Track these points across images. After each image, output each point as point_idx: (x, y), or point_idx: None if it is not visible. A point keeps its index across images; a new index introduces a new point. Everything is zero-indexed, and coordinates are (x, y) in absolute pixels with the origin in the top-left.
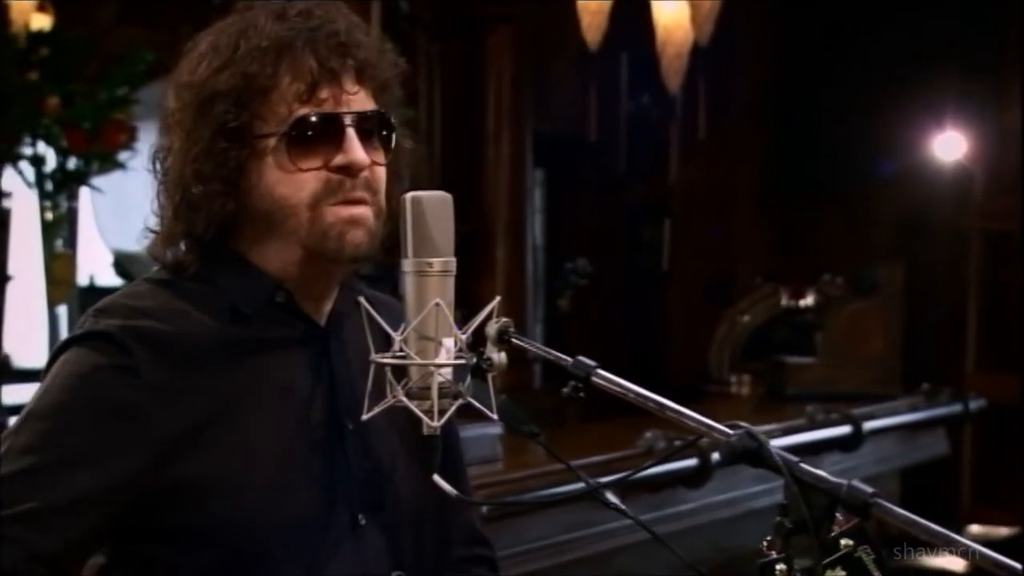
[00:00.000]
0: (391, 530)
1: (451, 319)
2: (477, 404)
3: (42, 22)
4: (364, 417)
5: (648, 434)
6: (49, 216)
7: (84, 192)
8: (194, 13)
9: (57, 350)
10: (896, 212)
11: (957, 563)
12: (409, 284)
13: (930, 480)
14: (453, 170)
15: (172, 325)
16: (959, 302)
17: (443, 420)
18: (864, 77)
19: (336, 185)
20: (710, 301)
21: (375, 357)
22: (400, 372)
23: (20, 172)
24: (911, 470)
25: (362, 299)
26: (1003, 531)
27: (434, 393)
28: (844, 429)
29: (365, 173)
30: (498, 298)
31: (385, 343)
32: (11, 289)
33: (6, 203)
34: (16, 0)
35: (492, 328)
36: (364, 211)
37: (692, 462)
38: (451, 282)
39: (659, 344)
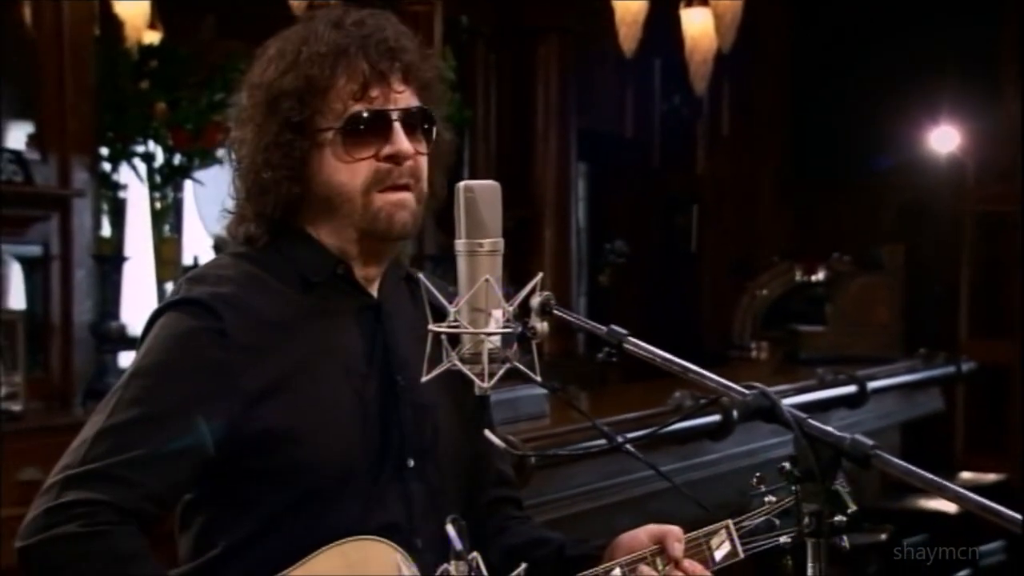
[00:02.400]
0: (435, 473)
1: (499, 293)
2: (523, 368)
3: (152, 37)
4: (424, 379)
5: (677, 393)
6: (158, 205)
7: (188, 184)
8: (285, 26)
9: (155, 314)
10: (899, 198)
11: (950, 506)
12: (462, 262)
13: (927, 433)
14: (507, 163)
15: (253, 292)
16: (954, 277)
17: (493, 382)
18: (871, 78)
19: (385, 173)
20: (735, 275)
21: (433, 326)
22: (454, 340)
23: (134, 168)
24: (910, 424)
25: (422, 276)
26: (991, 477)
27: (484, 358)
28: (850, 388)
29: (410, 162)
30: (541, 274)
31: (437, 315)
32: (127, 268)
33: (122, 194)
34: (130, 18)
35: (535, 301)
36: (408, 196)
37: (715, 418)
38: (499, 260)
39: (689, 315)
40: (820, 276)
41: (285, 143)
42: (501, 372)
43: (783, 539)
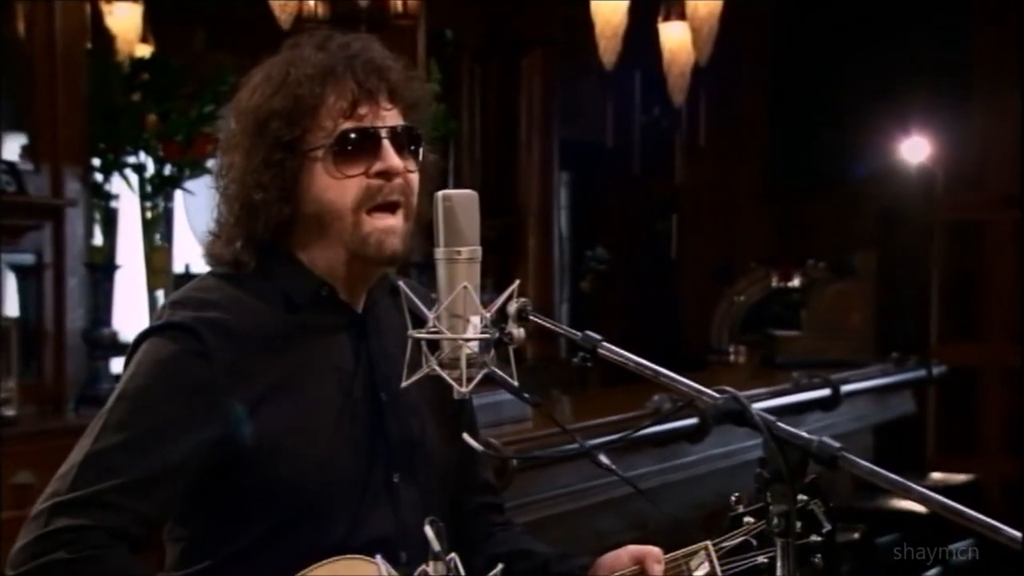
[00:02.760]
0: (421, 485)
1: (477, 300)
2: (500, 373)
3: (144, 51)
4: (403, 384)
5: (655, 397)
6: (149, 215)
7: (178, 194)
8: (272, 40)
9: (139, 338)
10: (871, 206)
11: (921, 506)
12: (441, 269)
13: (899, 435)
14: (491, 172)
15: (236, 314)
16: (925, 283)
17: (471, 386)
18: (846, 91)
19: (376, 190)
20: (717, 280)
21: (412, 333)
22: (434, 345)
23: (125, 178)
24: (882, 426)
25: (401, 283)
26: (960, 477)
27: (463, 363)
28: (824, 392)
29: (399, 179)
30: (518, 281)
31: (418, 322)
32: (118, 276)
33: (113, 204)
34: (121, 32)
35: (512, 307)
36: (397, 222)
37: (693, 421)
38: (477, 268)
39: (670, 320)
40: (796, 282)
41: (275, 163)
42: (479, 377)
43: (761, 559)
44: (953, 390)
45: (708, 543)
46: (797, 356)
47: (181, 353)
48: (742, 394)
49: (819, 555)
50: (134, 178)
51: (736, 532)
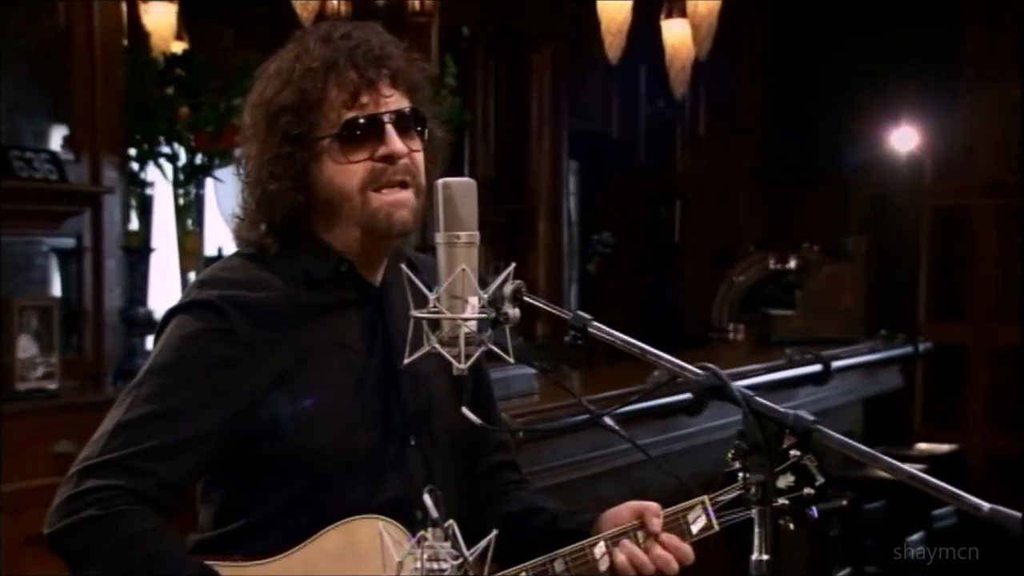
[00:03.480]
0: (435, 450)
1: (475, 282)
2: (497, 349)
3: (177, 47)
4: (405, 362)
5: (656, 372)
6: (181, 201)
7: (208, 182)
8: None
9: (168, 315)
10: (863, 193)
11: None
12: (441, 253)
13: (888, 408)
14: (504, 161)
15: (260, 293)
16: (913, 265)
17: (469, 363)
18: (839, 83)
19: (380, 172)
20: (717, 264)
21: (414, 312)
22: (434, 324)
23: (159, 167)
24: (872, 400)
25: (403, 266)
26: (944, 448)
27: (461, 341)
28: (816, 367)
29: (404, 160)
30: (513, 264)
31: (421, 301)
32: (153, 259)
33: (148, 191)
34: (157, 29)
35: (508, 288)
36: (405, 194)
37: (690, 395)
38: (475, 251)
39: (673, 300)
40: (792, 264)
41: (286, 155)
42: (477, 354)
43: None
44: (939, 366)
45: (705, 497)
46: (791, 334)
47: (206, 330)
48: (730, 371)
49: (814, 507)
50: (167, 167)
51: (731, 487)
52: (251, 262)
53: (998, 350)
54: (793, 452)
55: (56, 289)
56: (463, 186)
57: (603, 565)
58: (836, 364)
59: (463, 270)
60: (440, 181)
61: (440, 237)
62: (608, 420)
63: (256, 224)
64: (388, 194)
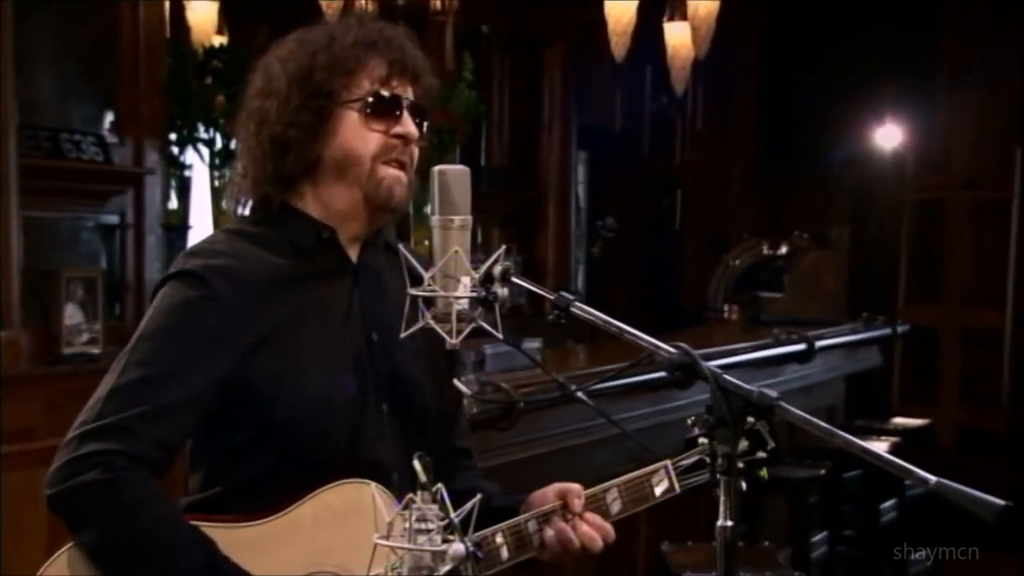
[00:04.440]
0: (408, 416)
1: (467, 263)
2: (487, 327)
3: (218, 41)
4: (403, 335)
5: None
6: (216, 183)
7: None
8: None
9: (158, 285)
10: (849, 186)
11: (882, 445)
12: (436, 235)
13: (867, 384)
14: (517, 151)
15: (243, 262)
16: (894, 253)
17: (460, 338)
18: (827, 83)
19: (391, 147)
20: (712, 248)
21: (411, 290)
22: (429, 302)
23: (197, 150)
24: (852, 377)
25: (401, 247)
26: (918, 422)
27: (453, 318)
28: (801, 346)
29: (412, 145)
30: (504, 247)
31: (415, 281)
32: (190, 235)
33: (187, 173)
34: (198, 24)
35: (497, 269)
36: (405, 175)
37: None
38: (468, 234)
39: (672, 282)
40: (782, 251)
41: (313, 107)
42: (468, 330)
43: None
44: (915, 346)
45: (667, 462)
46: (779, 315)
47: (193, 298)
48: (722, 347)
49: (765, 469)
50: (204, 151)
51: (691, 452)
52: (234, 235)
53: (970, 332)
54: (749, 419)
55: (101, 262)
56: (457, 173)
57: (535, 540)
58: (819, 343)
59: (456, 252)
60: (436, 168)
61: (435, 221)
62: (582, 395)
63: (258, 181)
64: (393, 169)
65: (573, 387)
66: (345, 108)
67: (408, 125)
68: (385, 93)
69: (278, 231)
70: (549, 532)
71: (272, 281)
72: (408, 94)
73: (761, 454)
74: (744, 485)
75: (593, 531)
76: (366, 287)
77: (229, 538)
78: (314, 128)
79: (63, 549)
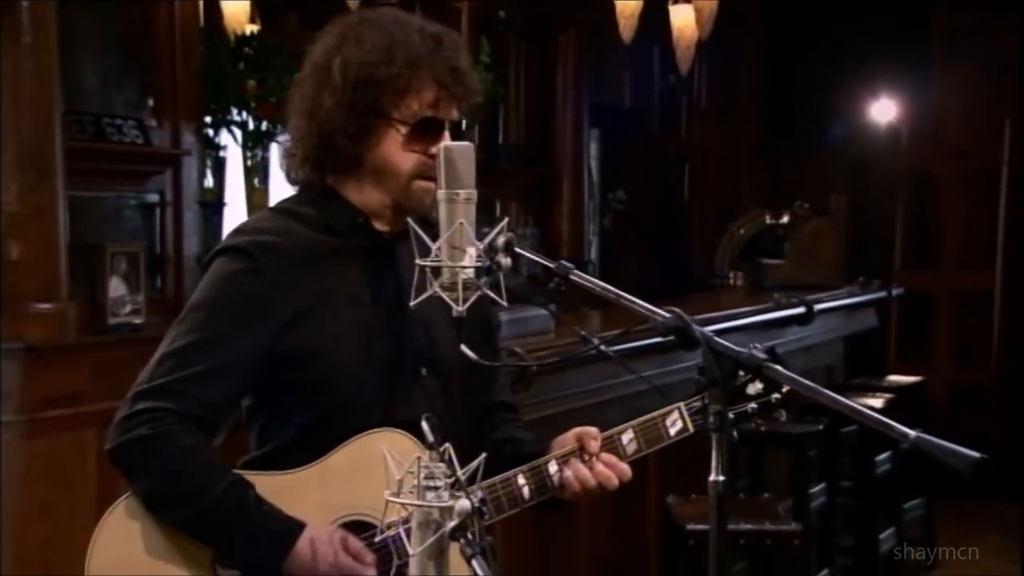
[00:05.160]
0: (443, 379)
1: (472, 234)
2: (491, 294)
3: (249, 29)
4: (411, 304)
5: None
6: (249, 162)
7: (273, 146)
8: None
9: (208, 260)
10: (847, 158)
11: (877, 401)
12: (442, 208)
13: (864, 345)
14: (533, 130)
15: (286, 239)
16: (890, 221)
17: (466, 305)
18: (828, 62)
19: (429, 166)
20: (718, 219)
21: (419, 261)
22: (436, 271)
23: (231, 132)
24: (850, 338)
25: (409, 220)
26: (911, 379)
27: (459, 286)
28: (801, 309)
29: None
30: (506, 219)
31: (425, 252)
32: (225, 212)
33: (221, 154)
34: (232, 14)
35: (501, 240)
36: (433, 185)
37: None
38: (473, 207)
39: (681, 252)
40: (784, 220)
41: (363, 122)
42: (474, 298)
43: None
44: (910, 308)
45: (680, 404)
46: (781, 280)
47: (238, 271)
48: (727, 311)
49: (782, 410)
50: (238, 132)
51: (699, 396)
52: (279, 214)
53: (961, 295)
54: (756, 387)
55: (142, 237)
56: (463, 149)
57: (556, 480)
58: (818, 307)
59: (461, 223)
60: (442, 144)
61: (442, 194)
62: (606, 349)
63: (304, 163)
64: (426, 184)
65: (598, 342)
66: (391, 126)
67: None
68: (430, 115)
69: (318, 212)
70: (567, 472)
71: (313, 256)
72: (453, 113)
73: (776, 396)
74: (761, 426)
75: (608, 470)
76: (401, 261)
77: (270, 485)
78: (359, 137)
79: (121, 499)
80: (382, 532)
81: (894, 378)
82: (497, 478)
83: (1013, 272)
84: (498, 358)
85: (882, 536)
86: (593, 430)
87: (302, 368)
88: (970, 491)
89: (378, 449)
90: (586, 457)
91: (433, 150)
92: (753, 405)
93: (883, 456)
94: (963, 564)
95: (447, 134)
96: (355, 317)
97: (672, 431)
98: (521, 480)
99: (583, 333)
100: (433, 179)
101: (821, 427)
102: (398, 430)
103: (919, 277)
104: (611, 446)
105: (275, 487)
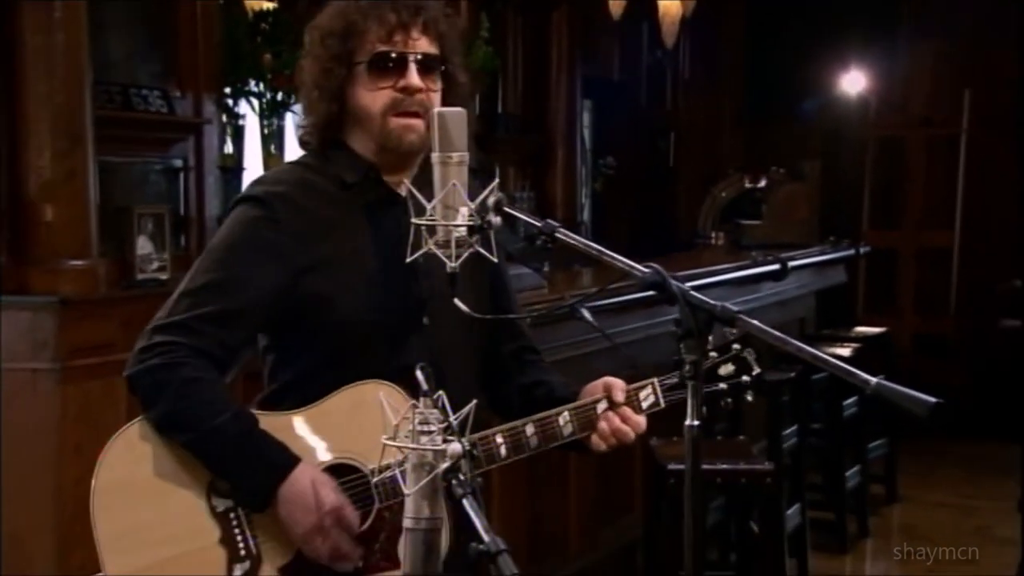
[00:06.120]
0: (446, 328)
1: (464, 195)
2: (483, 251)
3: (265, 6)
4: (407, 260)
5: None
6: (266, 130)
7: (288, 115)
8: None
9: (230, 207)
10: (820, 126)
11: (845, 350)
12: (436, 170)
13: (834, 298)
14: (529, 100)
15: (302, 190)
16: (859, 184)
17: (459, 261)
18: (802, 36)
19: (398, 101)
20: (702, 184)
21: (414, 220)
22: (431, 230)
23: (249, 102)
24: (821, 292)
25: (406, 181)
26: (877, 330)
27: (452, 243)
28: (776, 266)
29: (420, 95)
30: (496, 180)
31: (420, 211)
32: (244, 176)
33: (240, 122)
34: None
35: (491, 200)
36: (417, 122)
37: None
38: (465, 169)
39: (667, 213)
40: (762, 184)
41: (328, 71)
42: (465, 254)
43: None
44: (877, 264)
45: (654, 380)
46: (758, 240)
47: (256, 218)
48: (709, 268)
49: (751, 392)
50: (255, 102)
51: (674, 373)
52: (296, 167)
53: (924, 252)
54: (735, 345)
55: (167, 200)
56: (455, 114)
57: (566, 431)
58: (792, 264)
59: (454, 184)
60: (436, 110)
61: (435, 157)
62: (585, 312)
63: (304, 125)
64: (402, 120)
65: (572, 301)
66: (355, 69)
67: (411, 78)
68: (385, 50)
69: (332, 166)
70: (603, 424)
71: (326, 209)
72: (417, 47)
73: (746, 378)
74: (729, 402)
75: (627, 427)
76: (410, 215)
77: (272, 422)
78: (333, 89)
79: (133, 421)
80: (373, 475)
81: (861, 329)
82: (504, 427)
83: (970, 231)
84: (516, 309)
85: (848, 474)
86: (621, 383)
87: (312, 313)
88: (929, 431)
89: (368, 398)
90: (600, 409)
91: (402, 83)
92: (723, 385)
93: (850, 401)
94: (921, 502)
95: (413, 65)
96: (363, 267)
97: (644, 404)
98: (530, 430)
99: (568, 297)
100: (409, 114)
101: (794, 374)
102: (387, 382)
103: (885, 236)
104: (632, 400)
105: (276, 424)
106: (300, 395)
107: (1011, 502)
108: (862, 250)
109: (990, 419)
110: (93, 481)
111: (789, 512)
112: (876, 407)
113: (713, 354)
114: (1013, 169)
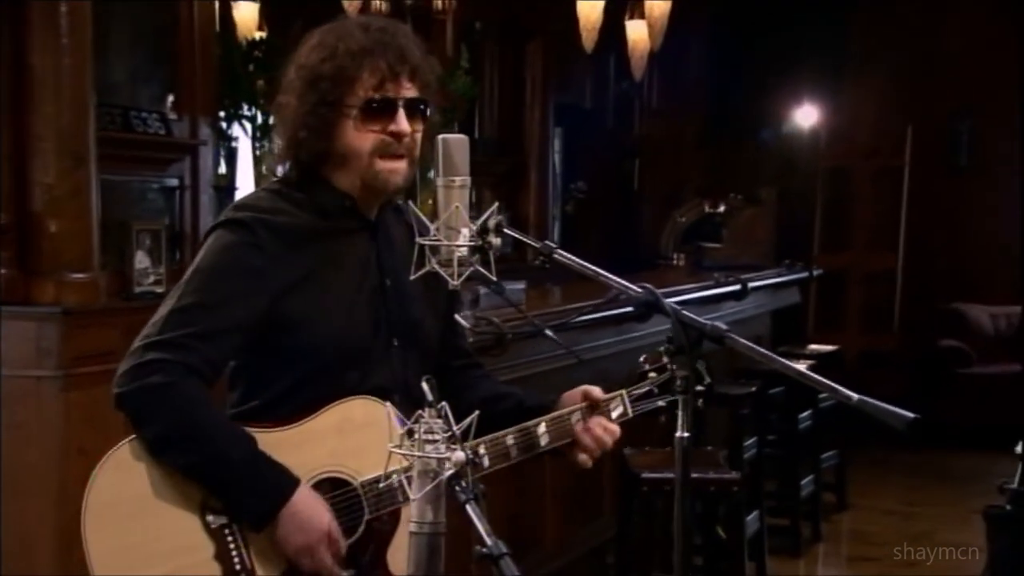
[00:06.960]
0: (414, 349)
1: (466, 216)
2: (482, 270)
3: (258, 35)
4: (412, 277)
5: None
6: (258, 152)
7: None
8: None
9: (210, 229)
10: (777, 155)
11: (802, 367)
12: (440, 193)
13: (788, 318)
14: (505, 125)
15: (282, 217)
16: (811, 210)
17: (461, 279)
18: (761, 70)
19: (387, 144)
20: (664, 207)
21: (419, 239)
22: (434, 249)
23: (242, 125)
24: (777, 312)
25: (409, 203)
26: (828, 348)
27: (455, 263)
28: (736, 287)
29: (407, 139)
30: (496, 204)
31: (426, 230)
32: (236, 195)
33: (233, 144)
34: (243, 20)
35: (492, 222)
36: (402, 164)
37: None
38: (467, 192)
39: (633, 234)
40: (721, 208)
41: (320, 114)
42: (467, 273)
43: (660, 403)
44: (827, 285)
45: (623, 391)
46: (718, 261)
47: (240, 243)
48: (672, 288)
49: (701, 400)
50: (248, 125)
51: (642, 384)
52: (274, 194)
53: (871, 274)
54: (670, 365)
55: (164, 217)
56: (458, 140)
57: (543, 441)
58: (751, 284)
59: (456, 207)
60: (440, 136)
61: (440, 181)
62: (549, 332)
63: (283, 160)
64: (388, 163)
65: (542, 325)
66: (346, 112)
67: (401, 123)
68: (377, 97)
69: (309, 196)
70: (586, 439)
71: (304, 234)
72: (405, 92)
73: (699, 387)
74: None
75: (607, 436)
76: (381, 242)
77: (264, 439)
78: (319, 130)
79: (123, 441)
80: (362, 488)
81: (815, 347)
82: (497, 434)
83: (912, 254)
84: (461, 331)
85: (803, 482)
86: (598, 390)
87: (290, 335)
88: (876, 443)
89: (355, 414)
90: (576, 418)
91: (392, 128)
92: (661, 403)
93: (805, 414)
94: (869, 509)
95: (402, 112)
96: (339, 291)
97: (614, 415)
98: (510, 440)
99: (533, 318)
100: (395, 157)
101: (754, 389)
102: (373, 398)
103: (835, 259)
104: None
105: (268, 441)
106: (275, 413)
107: (951, 508)
108: (814, 273)
109: (930, 431)
110: (84, 502)
111: (749, 518)
112: (828, 420)
113: (652, 374)
114: (950, 197)
